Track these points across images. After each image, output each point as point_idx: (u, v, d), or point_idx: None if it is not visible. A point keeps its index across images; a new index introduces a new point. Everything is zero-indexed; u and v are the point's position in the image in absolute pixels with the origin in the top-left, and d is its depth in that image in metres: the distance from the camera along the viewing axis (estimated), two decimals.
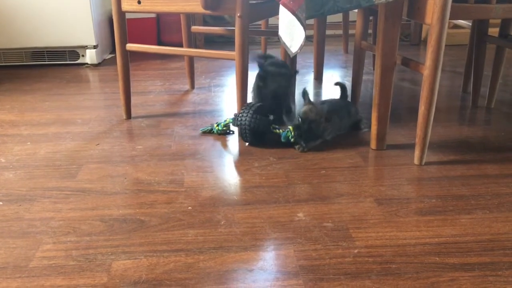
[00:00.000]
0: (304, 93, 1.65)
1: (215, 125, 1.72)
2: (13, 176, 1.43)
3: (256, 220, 1.18)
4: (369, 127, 1.63)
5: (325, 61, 2.48)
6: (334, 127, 1.66)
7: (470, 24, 2.12)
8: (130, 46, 1.79)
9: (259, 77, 1.77)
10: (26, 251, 1.06)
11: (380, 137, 1.57)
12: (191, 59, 2.29)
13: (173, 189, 1.34)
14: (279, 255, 1.05)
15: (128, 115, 1.91)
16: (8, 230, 1.15)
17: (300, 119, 1.59)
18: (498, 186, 1.33)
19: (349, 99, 1.88)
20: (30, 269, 1.00)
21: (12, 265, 1.02)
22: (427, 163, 1.47)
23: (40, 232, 1.14)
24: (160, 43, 3.24)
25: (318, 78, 2.46)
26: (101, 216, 1.21)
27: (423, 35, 3.37)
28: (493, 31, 1.96)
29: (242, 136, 1.61)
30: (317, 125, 1.58)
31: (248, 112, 1.58)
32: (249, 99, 1.74)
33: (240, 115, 1.58)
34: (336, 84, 1.85)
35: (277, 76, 1.76)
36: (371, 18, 2.29)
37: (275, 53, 3.02)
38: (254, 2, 1.72)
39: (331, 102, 1.78)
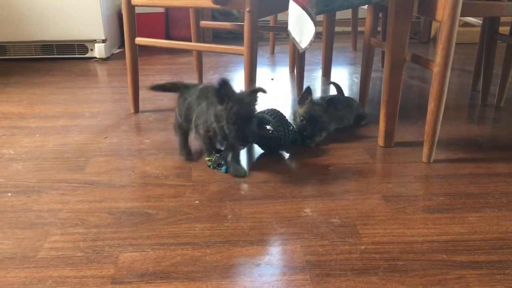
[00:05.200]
0: (308, 91, 1.63)
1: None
2: (21, 167, 1.44)
3: (263, 215, 1.18)
4: (371, 121, 1.63)
5: (333, 58, 2.47)
6: (334, 119, 1.66)
7: (481, 22, 2.10)
8: (139, 40, 1.79)
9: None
10: (34, 242, 1.07)
11: (388, 134, 1.56)
12: (199, 54, 2.29)
13: (180, 183, 1.34)
14: (286, 250, 1.05)
15: (136, 109, 1.91)
16: (17, 221, 1.15)
17: (303, 119, 1.58)
18: (507, 185, 1.32)
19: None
20: (38, 260, 1.01)
21: (20, 256, 1.02)
22: (436, 161, 1.46)
23: (48, 224, 1.14)
24: (168, 38, 3.24)
25: (326, 75, 2.45)
26: (109, 208, 1.21)
27: (433, 33, 3.34)
28: (504, 30, 1.94)
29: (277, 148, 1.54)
30: (318, 121, 1.59)
31: (288, 127, 1.52)
32: None
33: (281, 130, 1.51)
34: (331, 83, 1.92)
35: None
36: (380, 15, 2.28)
37: (284, 49, 3.02)
38: None
39: (331, 96, 1.80)
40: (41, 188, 1.31)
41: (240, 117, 1.27)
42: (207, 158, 1.43)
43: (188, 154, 1.49)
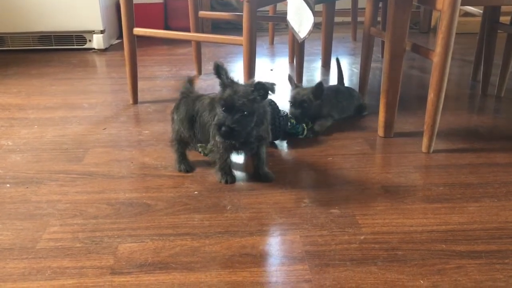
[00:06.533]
0: (290, 79, 1.67)
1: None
2: (20, 159, 1.43)
3: (262, 206, 1.18)
4: (371, 111, 1.62)
5: (333, 49, 2.45)
6: (336, 109, 1.67)
7: (482, 11, 2.09)
8: (137, 31, 1.78)
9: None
10: (33, 233, 1.07)
11: (388, 125, 1.56)
12: (198, 45, 2.28)
13: (179, 173, 1.34)
14: (285, 241, 1.04)
15: (135, 100, 1.91)
16: (15, 212, 1.15)
17: (291, 104, 1.61)
18: (507, 175, 1.32)
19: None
20: (37, 251, 1.01)
21: (19, 247, 1.02)
22: (435, 151, 1.46)
23: (47, 215, 1.14)
24: (167, 28, 3.23)
25: (326, 66, 2.44)
26: (108, 199, 1.21)
27: (433, 23, 3.33)
28: (505, 20, 1.93)
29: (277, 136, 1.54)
30: (309, 104, 1.59)
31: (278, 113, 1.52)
32: None
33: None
34: (336, 60, 1.87)
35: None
36: (380, 5, 2.26)
37: (283, 39, 3.00)
38: None
39: (332, 86, 1.81)
40: (40, 179, 1.31)
41: (226, 105, 1.16)
42: (200, 144, 1.41)
43: (189, 167, 1.37)
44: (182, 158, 1.37)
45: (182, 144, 1.37)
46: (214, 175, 1.31)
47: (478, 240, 1.04)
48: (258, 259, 0.98)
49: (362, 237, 1.05)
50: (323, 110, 1.64)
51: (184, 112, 1.33)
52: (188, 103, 1.34)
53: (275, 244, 1.03)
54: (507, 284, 0.91)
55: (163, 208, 1.17)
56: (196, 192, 1.24)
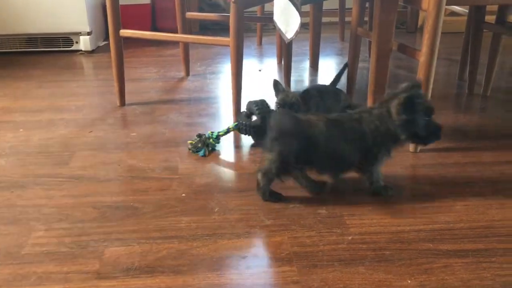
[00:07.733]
0: (276, 83, 1.57)
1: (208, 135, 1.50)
2: (5, 163, 1.42)
3: (250, 207, 1.17)
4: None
5: (321, 49, 2.46)
6: (323, 107, 1.65)
7: (467, 11, 2.10)
8: (124, 32, 1.77)
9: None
10: (18, 238, 1.06)
11: None
12: (186, 46, 2.27)
13: (167, 176, 1.33)
14: (273, 242, 1.04)
15: (122, 102, 1.89)
16: (0, 217, 1.14)
17: (279, 107, 1.56)
18: (493, 173, 1.33)
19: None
20: (22, 256, 1.00)
21: (4, 252, 1.01)
22: (422, 150, 1.47)
23: (32, 219, 1.13)
24: (155, 29, 3.21)
25: (314, 66, 2.44)
26: (94, 203, 1.20)
27: (419, 23, 3.34)
28: (490, 19, 1.94)
29: None
30: (298, 108, 1.56)
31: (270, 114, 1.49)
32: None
33: None
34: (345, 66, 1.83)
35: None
36: (367, 5, 2.27)
37: (271, 40, 3.00)
38: None
39: (318, 85, 1.79)
40: (25, 183, 1.30)
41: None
42: (189, 141, 1.47)
43: (278, 194, 1.22)
44: (268, 186, 1.20)
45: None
46: (201, 177, 1.31)
47: (465, 239, 1.05)
48: (246, 261, 0.98)
49: (350, 238, 1.05)
50: (309, 110, 1.63)
51: (297, 141, 1.15)
52: (301, 129, 1.16)
53: (263, 246, 1.03)
54: (494, 282, 0.92)
55: (150, 211, 1.16)
56: (183, 195, 1.23)
